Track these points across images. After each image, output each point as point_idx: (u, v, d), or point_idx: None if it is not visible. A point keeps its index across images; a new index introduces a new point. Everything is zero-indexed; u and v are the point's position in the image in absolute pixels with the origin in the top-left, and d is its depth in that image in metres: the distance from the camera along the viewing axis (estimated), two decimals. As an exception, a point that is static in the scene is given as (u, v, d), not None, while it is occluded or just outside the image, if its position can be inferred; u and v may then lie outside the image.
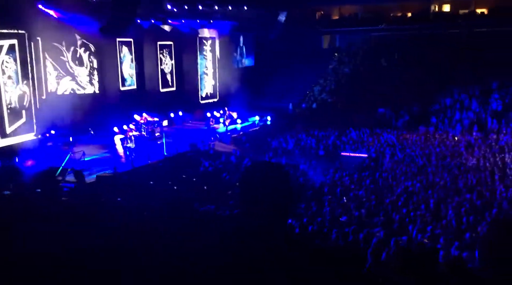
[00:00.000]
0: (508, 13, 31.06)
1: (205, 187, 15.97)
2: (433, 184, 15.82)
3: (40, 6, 20.39)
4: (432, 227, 10.72)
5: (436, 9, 35.33)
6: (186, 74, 29.94)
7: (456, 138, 22.96)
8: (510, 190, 14.47)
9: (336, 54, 35.39)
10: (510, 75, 26.86)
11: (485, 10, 33.13)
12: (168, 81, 29.18)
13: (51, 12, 20.85)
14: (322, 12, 38.78)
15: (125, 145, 20.35)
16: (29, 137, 20.70)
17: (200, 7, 28.89)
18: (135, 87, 26.82)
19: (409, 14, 35.23)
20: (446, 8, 35.34)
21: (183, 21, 28.01)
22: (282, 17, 33.19)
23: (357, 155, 21.85)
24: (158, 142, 22.26)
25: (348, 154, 22.26)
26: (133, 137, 20.61)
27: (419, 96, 27.91)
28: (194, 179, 17.50)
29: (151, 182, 16.22)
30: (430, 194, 14.37)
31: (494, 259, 1.29)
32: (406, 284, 2.68)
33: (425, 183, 15.98)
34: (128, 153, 20.08)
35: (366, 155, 21.52)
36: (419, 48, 31.46)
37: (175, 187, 15.79)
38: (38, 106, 21.21)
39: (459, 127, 24.11)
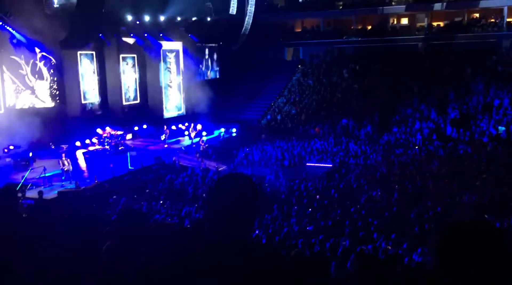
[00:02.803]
0: (461, 26, 32.41)
1: (169, 201, 15.79)
2: (396, 192, 16.15)
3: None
4: (396, 234, 10.94)
5: (395, 22, 36.39)
6: (150, 87, 29.68)
7: (417, 147, 23.57)
8: (467, 195, 14.95)
9: (299, 66, 35.87)
10: (464, 85, 27.88)
11: (441, 23, 34.40)
12: (132, 94, 28.83)
13: (10, 29, 20.36)
14: (285, 25, 39.30)
15: (63, 168, 18.17)
16: (-14, 153, 20.02)
17: (162, 18, 28.82)
18: (97, 100, 26.36)
19: (369, 27, 36.17)
20: (404, 21, 36.48)
21: (145, 34, 27.84)
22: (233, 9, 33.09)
23: (322, 165, 22.12)
24: (129, 152, 21.92)
25: (313, 164, 22.52)
26: (69, 160, 18.54)
27: (380, 107, 28.56)
28: (154, 192, 17.29)
29: (114, 196, 15.96)
30: (393, 202, 14.68)
31: (445, 263, 1.35)
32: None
33: (388, 191, 16.30)
34: (63, 178, 18.13)
35: (331, 165, 21.82)
36: (378, 60, 32.29)
37: (141, 203, 15.56)
38: (-5, 121, 20.57)
39: (419, 136, 24.78)
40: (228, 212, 1.84)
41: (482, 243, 1.33)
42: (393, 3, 34.95)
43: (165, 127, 26.45)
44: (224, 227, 1.83)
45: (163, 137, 25.94)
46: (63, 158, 18.27)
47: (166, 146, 25.25)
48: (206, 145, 25.21)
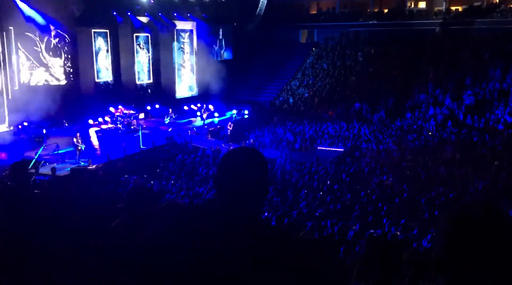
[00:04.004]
0: (480, 11, 31.74)
1: (179, 181, 15.89)
2: (408, 178, 16.07)
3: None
4: (406, 220, 10.91)
5: (412, 5, 35.76)
6: (163, 67, 29.64)
7: (430, 133, 23.35)
8: (481, 182, 14.83)
9: (314, 48, 35.51)
10: (481, 71, 27.41)
11: (459, 8, 33.73)
12: (145, 73, 28.85)
13: (24, 6, 20.36)
14: (300, 6, 38.84)
15: (76, 146, 18.25)
16: (1, 129, 20.25)
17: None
18: (110, 79, 26.43)
19: (386, 10, 35.59)
20: (422, 5, 35.83)
21: (159, 14, 27.72)
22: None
23: (334, 149, 22.05)
24: (134, 135, 22.05)
25: (324, 148, 22.44)
26: (80, 140, 18.49)
27: (394, 91, 28.27)
28: (165, 172, 17.36)
29: (126, 176, 16.09)
30: (404, 188, 14.60)
31: (451, 251, 1.31)
32: (372, 273, 2.72)
33: (399, 176, 16.22)
34: (78, 156, 18.19)
35: (342, 149, 21.73)
36: (394, 44, 31.85)
37: (151, 182, 15.69)
38: (10, 97, 20.75)
39: (433, 122, 24.52)
40: (238, 184, 1.79)
41: (491, 229, 1.27)
42: (411, -14, 34.35)
43: (170, 110, 25.87)
44: (233, 201, 1.80)
45: (167, 120, 25.32)
46: (78, 137, 18.42)
47: (170, 129, 24.42)
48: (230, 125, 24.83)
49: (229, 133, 24.09)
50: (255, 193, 1.82)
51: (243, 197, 1.79)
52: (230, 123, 24.81)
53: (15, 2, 20.09)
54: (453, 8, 33.95)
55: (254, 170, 1.83)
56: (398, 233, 9.20)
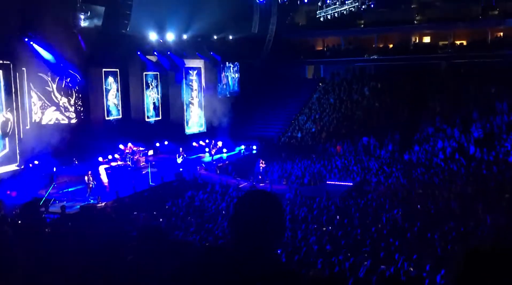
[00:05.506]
0: (484, 45, 32.07)
1: (189, 217, 15.82)
2: (418, 212, 15.88)
3: (27, 40, 20.49)
4: (418, 256, 10.73)
5: (417, 40, 36.23)
6: (172, 104, 30.01)
7: (439, 166, 23.21)
8: (492, 216, 14.60)
9: (320, 84, 35.90)
10: (488, 104, 27.46)
11: (464, 42, 34.11)
12: (154, 111, 29.19)
13: (37, 47, 20.90)
14: (306, 43, 39.50)
15: (87, 184, 18.51)
16: (12, 167, 20.43)
17: (185, 37, 29.28)
18: (120, 116, 26.75)
19: (390, 46, 36.07)
20: (427, 39, 36.29)
21: (168, 52, 28.32)
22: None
23: (342, 183, 21.93)
24: (143, 172, 22.12)
25: (333, 182, 22.33)
26: (91, 178, 18.75)
27: (402, 125, 28.30)
28: (174, 208, 17.30)
29: (135, 212, 16.06)
30: (415, 222, 14.42)
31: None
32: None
33: (410, 211, 16.04)
34: (88, 194, 18.41)
35: (351, 183, 21.61)
36: (400, 78, 32.12)
37: (160, 219, 15.63)
38: (21, 136, 21.02)
39: (442, 155, 24.41)
40: (254, 228, 1.83)
41: (504, 266, 1.27)
42: (415, 22, 34.85)
43: (181, 149, 25.34)
44: (249, 243, 1.82)
45: (179, 160, 24.66)
46: (89, 175, 18.56)
47: (181, 169, 23.36)
48: (263, 163, 24.46)
49: (261, 170, 23.86)
50: (270, 237, 1.85)
51: (259, 240, 1.82)
52: (262, 160, 24.45)
53: (29, 44, 20.64)
54: (458, 42, 34.36)
55: (271, 215, 1.87)
56: (411, 269, 9.05)
